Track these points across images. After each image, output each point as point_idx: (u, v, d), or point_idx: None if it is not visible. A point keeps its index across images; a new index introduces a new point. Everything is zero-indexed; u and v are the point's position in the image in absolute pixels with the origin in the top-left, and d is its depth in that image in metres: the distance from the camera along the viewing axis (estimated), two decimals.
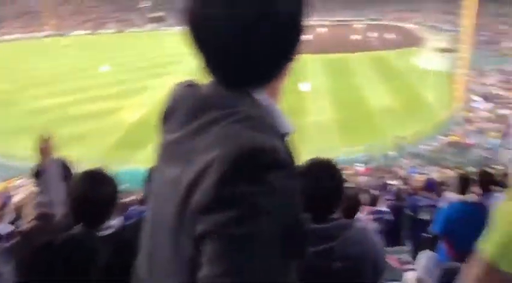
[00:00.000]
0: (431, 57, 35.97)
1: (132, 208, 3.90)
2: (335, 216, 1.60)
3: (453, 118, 22.88)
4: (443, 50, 38.16)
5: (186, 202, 0.67)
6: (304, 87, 25.43)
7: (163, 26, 63.34)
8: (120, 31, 64.74)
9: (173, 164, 0.76)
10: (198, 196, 0.65)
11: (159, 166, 0.84)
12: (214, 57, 0.76)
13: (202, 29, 0.74)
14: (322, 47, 40.01)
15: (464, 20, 28.25)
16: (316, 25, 59.55)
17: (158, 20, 66.48)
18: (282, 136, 0.75)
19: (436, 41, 43.75)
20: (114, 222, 1.67)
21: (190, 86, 0.84)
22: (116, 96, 26.48)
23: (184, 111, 0.79)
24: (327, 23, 62.49)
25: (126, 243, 1.37)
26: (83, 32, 64.52)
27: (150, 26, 67.05)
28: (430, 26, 54.92)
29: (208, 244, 0.63)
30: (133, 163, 14.90)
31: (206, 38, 0.75)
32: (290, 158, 0.71)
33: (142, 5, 66.29)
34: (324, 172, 1.56)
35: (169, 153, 0.80)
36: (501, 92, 26.10)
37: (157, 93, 24.14)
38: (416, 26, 56.47)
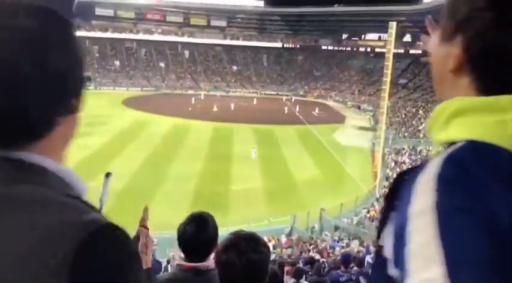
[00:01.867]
0: (352, 134, 38.70)
1: None
2: None
3: (373, 193, 24.16)
4: (363, 128, 41.39)
5: None
6: (252, 154, 27.69)
7: (90, 85, 62.16)
8: None
9: None
10: None
11: None
12: None
13: None
14: (254, 118, 41.84)
15: (381, 102, 31.24)
16: (249, 97, 62.35)
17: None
18: (79, 198, 0.67)
19: (356, 119, 47.48)
20: None
21: None
22: None
23: None
24: (259, 95, 65.89)
25: None
26: None
27: None
28: (352, 105, 59.87)
29: None
30: None
31: None
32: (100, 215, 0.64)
33: None
34: (248, 246, 1.49)
35: None
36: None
37: (78, 154, 22.80)
38: (339, 104, 61.24)
